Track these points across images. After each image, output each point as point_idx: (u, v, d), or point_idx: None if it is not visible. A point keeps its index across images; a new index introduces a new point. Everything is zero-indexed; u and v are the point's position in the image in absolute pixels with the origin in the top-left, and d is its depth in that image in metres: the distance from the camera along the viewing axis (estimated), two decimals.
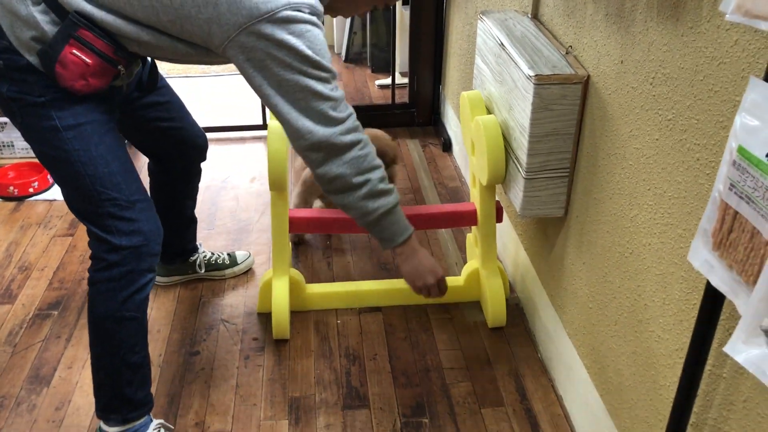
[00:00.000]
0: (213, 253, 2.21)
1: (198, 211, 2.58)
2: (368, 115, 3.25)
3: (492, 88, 1.86)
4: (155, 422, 1.59)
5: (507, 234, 2.20)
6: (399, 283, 2.12)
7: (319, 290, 2.10)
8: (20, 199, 2.63)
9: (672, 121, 1.19)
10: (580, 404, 1.65)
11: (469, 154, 1.98)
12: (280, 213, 1.91)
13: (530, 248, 1.99)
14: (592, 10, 1.49)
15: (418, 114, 3.23)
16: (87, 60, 1.34)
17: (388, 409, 1.74)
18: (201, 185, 2.75)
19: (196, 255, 2.17)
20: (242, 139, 3.18)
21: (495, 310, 1.97)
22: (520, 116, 1.63)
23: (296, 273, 2.06)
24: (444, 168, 2.91)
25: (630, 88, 1.33)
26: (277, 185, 1.84)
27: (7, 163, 2.79)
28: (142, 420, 1.57)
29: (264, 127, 3.21)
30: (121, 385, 1.53)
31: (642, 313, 1.32)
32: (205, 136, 1.96)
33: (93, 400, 1.58)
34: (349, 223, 2.00)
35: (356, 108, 3.30)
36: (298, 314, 2.06)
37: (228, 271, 2.21)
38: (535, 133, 1.58)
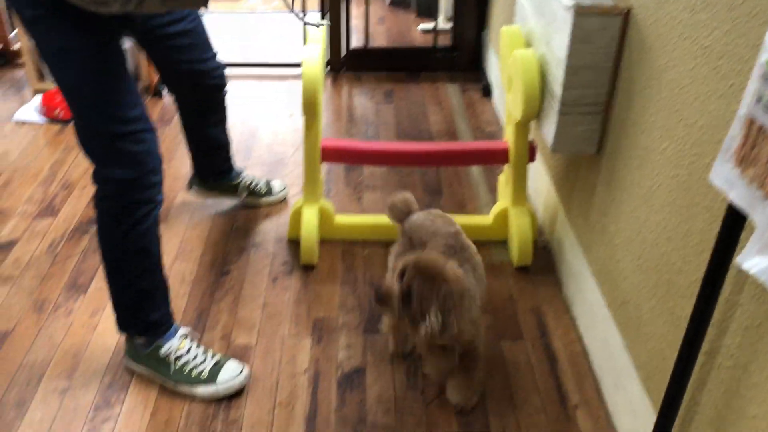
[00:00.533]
0: (253, 179, 2.25)
1: (236, 143, 2.63)
2: (409, 57, 3.24)
3: (532, 22, 1.83)
4: (181, 330, 1.65)
5: (539, 177, 2.19)
6: None
7: (348, 221, 2.13)
8: (65, 122, 2.70)
9: (708, 48, 1.16)
10: (599, 342, 1.66)
11: (506, 91, 1.97)
12: (313, 140, 1.94)
13: (561, 189, 1.98)
14: None
15: (460, 58, 3.19)
16: None
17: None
18: (240, 118, 2.80)
19: (240, 179, 2.21)
20: (283, 76, 3.20)
21: (521, 248, 1.98)
22: (558, 49, 1.60)
23: (326, 203, 2.09)
24: (482, 113, 2.89)
25: (669, 18, 1.30)
26: (309, 110, 1.86)
27: (54, 87, 2.87)
28: (164, 335, 1.61)
29: None
30: (132, 308, 1.57)
31: (665, 245, 1.32)
32: (224, 73, 1.95)
33: None
34: (380, 156, 2.02)
35: (397, 50, 3.33)
36: (326, 243, 2.10)
37: (263, 200, 2.26)
38: (571, 66, 1.56)
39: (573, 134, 1.65)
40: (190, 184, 2.23)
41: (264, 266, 2.01)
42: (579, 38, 1.52)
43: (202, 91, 1.93)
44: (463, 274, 1.39)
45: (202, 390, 1.58)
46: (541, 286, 1.95)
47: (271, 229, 2.17)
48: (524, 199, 2.02)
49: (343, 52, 3.17)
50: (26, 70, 2.89)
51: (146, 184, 1.45)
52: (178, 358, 1.60)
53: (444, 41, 3.24)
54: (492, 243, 2.11)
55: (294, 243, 2.10)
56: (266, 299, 1.89)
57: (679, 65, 1.27)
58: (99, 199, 1.47)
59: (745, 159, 0.87)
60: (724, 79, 1.11)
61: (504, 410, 1.58)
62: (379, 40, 3.55)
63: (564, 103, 1.61)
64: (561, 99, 1.60)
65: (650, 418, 1.35)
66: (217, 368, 1.60)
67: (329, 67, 3.20)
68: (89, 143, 1.42)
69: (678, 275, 1.26)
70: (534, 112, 1.76)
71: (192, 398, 1.59)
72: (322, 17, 3.09)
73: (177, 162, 2.50)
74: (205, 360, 1.61)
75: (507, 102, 1.97)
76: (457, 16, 3.13)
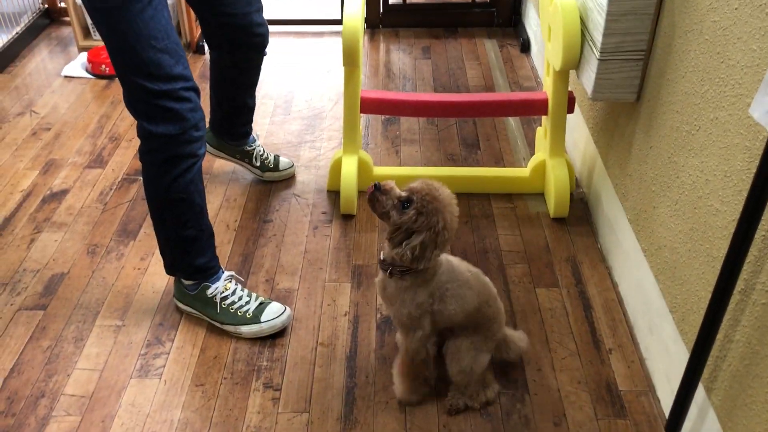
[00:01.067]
0: (264, 151, 2.18)
1: (275, 98, 2.68)
2: (447, 13, 3.23)
3: None
4: (226, 273, 1.72)
5: (577, 129, 2.19)
6: (464, 171, 2.17)
7: (386, 172, 2.16)
8: (111, 77, 2.78)
9: None
10: (634, 288, 1.68)
11: (545, 41, 1.97)
12: (352, 91, 1.97)
13: (600, 140, 1.98)
14: None
15: (498, 13, 3.17)
16: None
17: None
18: (279, 74, 2.84)
19: (253, 147, 2.14)
20: (320, 33, 3.22)
21: (558, 199, 1.99)
22: None
23: (365, 154, 2.13)
24: (520, 68, 2.88)
25: None
26: (350, 60, 1.88)
27: (100, 44, 2.93)
28: (210, 278, 1.68)
29: (341, 21, 3.23)
30: (178, 254, 1.64)
31: (703, 188, 1.33)
32: (267, 32, 1.91)
33: None
34: (419, 107, 2.04)
35: (435, 6, 3.32)
36: (365, 194, 2.14)
37: (267, 174, 2.19)
38: (612, 12, 1.56)
39: (613, 81, 1.65)
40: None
41: (305, 215, 2.06)
42: None
43: (242, 49, 1.88)
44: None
45: (247, 329, 1.65)
46: (577, 236, 1.97)
47: (311, 180, 2.22)
48: (562, 151, 2.03)
49: (381, 8, 3.17)
50: (72, 27, 2.96)
51: (189, 139, 1.48)
52: (224, 299, 1.67)
53: None
54: (528, 195, 2.13)
55: (333, 194, 2.15)
56: (307, 246, 1.94)
57: (723, 6, 1.26)
58: (143, 153, 1.52)
59: None
60: None
61: (539, 353, 1.62)
62: None
63: (604, 50, 1.61)
64: (601, 46, 1.60)
65: (684, 359, 1.38)
66: (261, 308, 1.67)
67: (366, 23, 3.20)
68: (133, 100, 1.45)
69: (715, 217, 1.28)
70: (574, 60, 1.76)
71: (238, 337, 1.66)
72: None
73: None
74: (249, 301, 1.68)
75: (546, 51, 1.97)
76: None
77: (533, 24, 2.90)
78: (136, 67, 1.39)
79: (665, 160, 1.51)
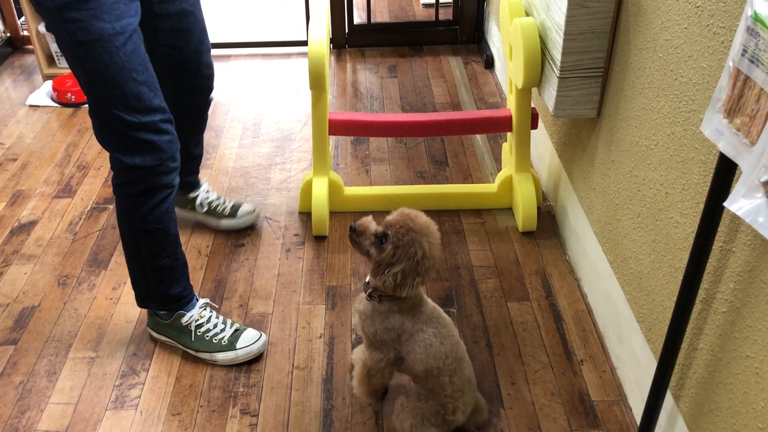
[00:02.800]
0: (218, 198, 2.08)
1: (244, 120, 2.69)
2: (412, 32, 3.27)
3: None
4: (201, 301, 1.72)
5: (542, 143, 2.24)
6: (434, 189, 2.20)
7: (357, 192, 2.18)
8: (77, 105, 2.76)
9: (700, 8, 1.20)
10: (602, 298, 1.72)
11: (507, 60, 2.01)
12: (321, 114, 1.99)
13: (564, 154, 2.03)
14: None
15: (462, 31, 3.22)
16: None
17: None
18: (247, 96, 2.86)
19: (197, 192, 2.04)
20: (287, 55, 3.24)
21: (526, 214, 2.03)
22: (557, 15, 1.64)
23: (335, 175, 2.15)
24: (485, 84, 2.93)
25: None
26: (316, 84, 1.91)
27: (65, 72, 2.92)
28: (184, 307, 1.68)
29: (307, 43, 3.26)
30: (153, 284, 1.62)
31: (663, 201, 1.37)
32: (213, 75, 1.82)
33: None
34: (387, 128, 2.07)
35: (399, 25, 3.36)
36: (336, 214, 2.16)
37: (224, 222, 2.06)
38: (570, 32, 1.60)
39: (573, 98, 1.70)
40: None
41: (277, 238, 2.07)
42: (577, 4, 1.56)
43: (186, 89, 1.79)
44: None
45: (223, 356, 1.66)
46: (545, 249, 2.01)
47: (282, 203, 2.23)
48: (528, 166, 2.07)
49: (347, 28, 3.21)
50: (36, 56, 2.95)
51: (165, 170, 1.49)
52: (198, 327, 1.67)
53: (445, 15, 3.27)
54: (497, 210, 2.16)
55: (305, 215, 2.17)
56: (280, 269, 1.95)
57: (674, 25, 1.31)
58: (118, 185, 1.51)
59: (732, 109, 0.92)
60: (715, 36, 1.16)
61: (513, 367, 1.65)
62: (381, 15, 3.59)
63: (564, 68, 1.65)
64: (560, 64, 1.65)
65: (652, 367, 1.41)
66: (236, 335, 1.67)
67: (332, 44, 3.24)
68: (109, 133, 1.44)
69: (676, 228, 1.32)
70: (535, 78, 1.81)
71: (213, 364, 1.66)
72: None
73: None
74: (224, 328, 1.68)
75: (509, 70, 2.01)
76: None
77: (496, 40, 2.96)
78: (116, 100, 1.39)
79: (627, 174, 1.56)
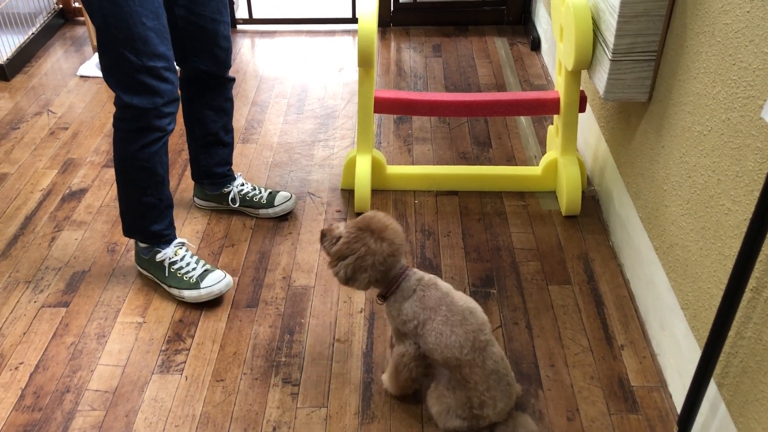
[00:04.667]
0: (253, 189, 2.07)
1: (288, 96, 2.71)
2: (457, 11, 3.25)
3: None
4: (177, 240, 1.83)
5: (589, 128, 2.21)
6: (476, 170, 2.20)
7: (399, 171, 2.19)
8: None
9: None
10: (645, 285, 1.70)
11: (557, 41, 1.99)
12: (367, 91, 2.00)
13: (611, 139, 2.01)
14: None
15: (509, 12, 3.19)
16: None
17: (459, 279, 1.85)
18: (292, 73, 2.87)
19: (231, 187, 2.05)
20: (332, 32, 3.25)
21: (570, 197, 2.02)
22: None
23: (378, 153, 2.16)
24: (531, 66, 2.90)
25: None
26: (365, 61, 1.91)
27: None
28: (161, 243, 1.80)
29: (352, 20, 3.27)
30: (136, 218, 1.75)
31: (714, 188, 1.35)
32: (230, 49, 1.84)
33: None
34: (433, 106, 2.07)
35: (445, 4, 3.34)
36: (378, 192, 2.18)
37: (262, 211, 2.06)
38: (624, 14, 1.58)
39: (625, 82, 1.68)
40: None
41: (319, 213, 2.10)
42: None
43: (204, 58, 1.80)
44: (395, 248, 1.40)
45: (188, 293, 1.77)
46: (588, 233, 2.00)
47: (325, 179, 2.25)
48: (574, 149, 2.05)
49: (392, 7, 3.20)
50: (87, 27, 3.00)
51: (159, 114, 1.60)
52: (172, 264, 1.79)
53: None
54: (540, 193, 2.15)
55: (347, 192, 2.18)
56: None
57: (735, 9, 1.28)
58: (117, 119, 1.63)
59: None
60: None
61: (552, 349, 1.65)
62: None
63: (616, 50, 1.63)
64: (613, 47, 1.63)
65: (695, 355, 1.41)
66: (204, 275, 1.77)
67: (377, 22, 3.23)
68: (115, 71, 1.54)
69: (727, 216, 1.30)
70: (586, 60, 1.79)
71: (182, 301, 1.79)
72: None
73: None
74: (195, 268, 1.78)
75: (558, 51, 1.99)
76: None
77: (543, 22, 2.92)
78: (124, 40, 1.49)
79: (677, 160, 1.54)
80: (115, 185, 2.20)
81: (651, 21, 1.59)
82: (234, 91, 2.74)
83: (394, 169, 2.20)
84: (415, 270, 1.45)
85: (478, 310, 1.40)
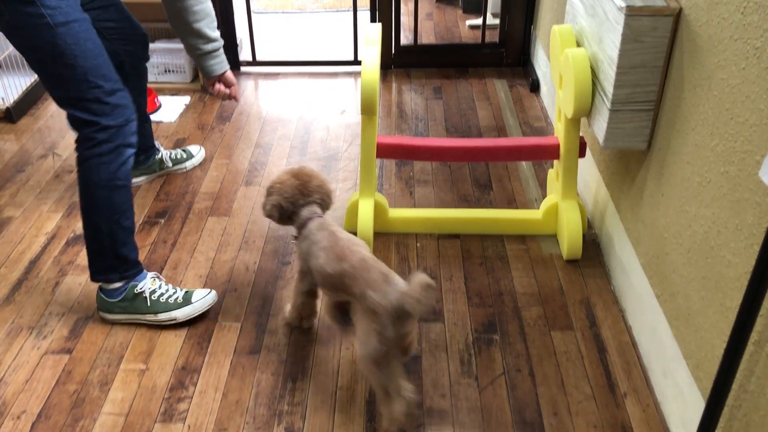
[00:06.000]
0: (172, 151, 2.50)
1: (291, 138, 2.74)
2: (457, 53, 3.30)
3: (583, 21, 1.88)
4: (150, 273, 1.89)
5: (588, 171, 2.24)
6: (478, 213, 2.22)
7: (402, 215, 2.21)
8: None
9: (760, 50, 1.20)
10: (647, 332, 1.71)
11: (557, 88, 2.02)
12: (369, 137, 2.02)
13: (611, 183, 2.03)
14: None
15: (508, 54, 3.24)
16: None
17: (462, 325, 1.86)
18: (295, 115, 2.91)
19: (161, 153, 2.44)
20: (334, 74, 3.29)
21: (571, 242, 2.03)
22: (610, 48, 1.65)
23: (380, 197, 2.18)
24: (530, 108, 2.94)
25: (721, 19, 1.35)
26: (368, 109, 1.94)
27: None
28: (138, 275, 1.86)
29: (354, 62, 3.32)
30: (118, 246, 1.79)
31: (715, 239, 1.36)
32: (146, 34, 2.16)
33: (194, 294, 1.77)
34: (433, 151, 2.10)
35: (445, 47, 3.40)
36: (380, 236, 2.19)
37: (188, 163, 2.52)
38: (623, 65, 1.61)
39: (624, 131, 1.70)
40: None
41: None
42: (630, 38, 1.57)
43: (133, 52, 2.13)
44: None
45: (180, 312, 1.83)
46: (590, 278, 2.01)
47: None
48: (574, 194, 2.07)
49: (393, 49, 3.25)
50: None
51: (130, 130, 1.75)
52: (152, 293, 1.84)
53: (491, 37, 3.29)
54: (542, 237, 2.17)
55: None
56: None
57: (731, 65, 1.31)
58: (92, 146, 1.71)
59: None
60: None
61: (555, 397, 1.65)
62: (427, 36, 3.63)
63: (615, 101, 1.66)
64: (612, 97, 1.65)
65: (699, 405, 1.40)
66: (189, 294, 1.86)
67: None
68: (84, 102, 1.67)
69: (728, 268, 1.31)
70: (585, 109, 1.82)
71: (172, 323, 1.84)
72: (372, 15, 3.17)
73: (236, 158, 2.62)
74: (176, 291, 1.86)
75: (558, 98, 2.02)
76: (504, 12, 3.18)
77: (542, 64, 2.97)
78: (94, 70, 1.66)
79: (677, 209, 1.55)
80: None
81: (649, 72, 1.62)
82: (237, 133, 2.78)
83: (396, 212, 2.21)
84: (325, 219, 1.70)
85: (361, 244, 1.63)
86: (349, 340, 1.81)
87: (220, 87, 2.05)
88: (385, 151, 2.10)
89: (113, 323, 1.86)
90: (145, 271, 1.88)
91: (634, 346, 1.78)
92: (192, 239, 2.18)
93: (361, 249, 1.59)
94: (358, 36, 3.28)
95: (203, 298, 1.86)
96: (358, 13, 3.25)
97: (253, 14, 3.25)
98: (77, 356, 1.77)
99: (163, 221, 2.27)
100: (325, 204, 1.74)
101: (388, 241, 2.18)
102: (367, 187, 2.10)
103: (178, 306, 1.83)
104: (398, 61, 3.28)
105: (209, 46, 1.95)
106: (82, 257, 2.10)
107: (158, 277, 1.89)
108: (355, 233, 2.15)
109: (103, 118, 1.69)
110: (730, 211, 1.30)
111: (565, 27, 1.96)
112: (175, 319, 1.83)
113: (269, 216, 1.72)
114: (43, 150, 2.66)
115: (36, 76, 3.01)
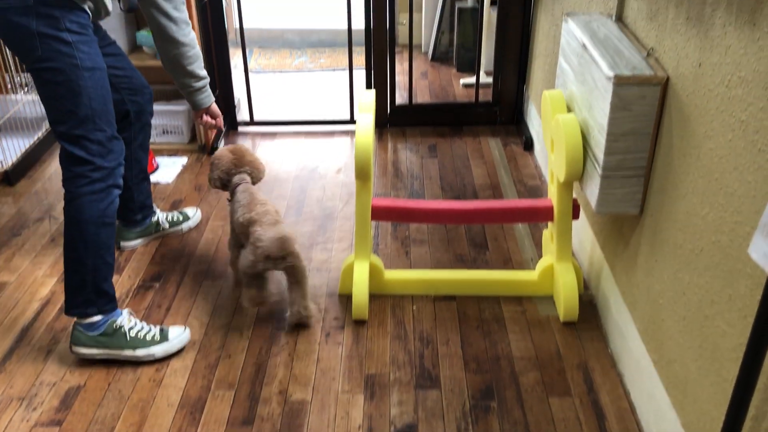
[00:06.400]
0: (168, 213, 2.53)
1: (288, 198, 2.75)
2: (452, 112, 3.34)
3: (573, 87, 1.91)
4: (126, 310, 1.98)
5: (583, 232, 2.24)
6: (474, 274, 2.21)
7: (397, 276, 2.20)
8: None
9: (745, 123, 1.22)
10: (646, 398, 1.69)
11: (549, 152, 2.04)
12: (364, 201, 2.03)
13: (606, 246, 2.03)
14: (673, 14, 1.53)
15: (501, 112, 3.29)
16: None
17: (458, 391, 1.83)
18: (291, 174, 2.93)
19: (157, 215, 2.47)
20: (331, 133, 3.33)
21: (567, 304, 2.02)
22: (599, 115, 1.68)
23: (376, 258, 2.18)
24: (524, 166, 2.96)
25: (707, 90, 1.37)
26: (362, 175, 1.96)
27: None
28: (115, 311, 1.93)
29: (350, 122, 3.36)
30: (99, 280, 1.88)
31: (709, 308, 1.36)
32: (151, 89, 2.26)
33: (184, 362, 1.75)
34: (427, 214, 2.10)
35: (440, 106, 3.45)
36: (376, 297, 2.18)
37: (185, 226, 2.55)
38: (612, 132, 1.63)
39: (616, 196, 1.71)
40: (117, 242, 2.41)
41: (317, 321, 2.09)
42: (619, 106, 1.59)
43: (138, 104, 2.21)
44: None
45: (158, 348, 1.93)
46: (587, 341, 1.99)
47: (323, 284, 2.26)
48: (569, 255, 2.07)
49: (389, 108, 3.29)
50: None
51: (119, 173, 1.90)
52: (131, 329, 1.92)
53: (485, 96, 3.34)
54: (538, 298, 2.16)
55: (345, 297, 2.19)
56: (320, 354, 1.97)
57: (718, 136, 1.33)
58: (85, 184, 1.82)
59: None
60: (761, 153, 1.17)
61: None
62: (422, 95, 3.68)
63: (606, 167, 1.67)
64: (603, 164, 1.67)
65: None
66: (164, 332, 1.96)
67: (375, 123, 3.32)
68: (86, 139, 1.80)
69: (723, 338, 1.30)
70: (577, 174, 1.83)
71: (150, 359, 1.93)
72: (368, 75, 3.23)
73: None
74: (151, 328, 1.95)
75: (550, 162, 2.04)
76: (497, 72, 3.23)
77: (535, 123, 3.01)
78: (102, 114, 1.82)
79: (671, 275, 1.55)
80: None
81: (639, 139, 1.64)
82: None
83: (391, 274, 2.21)
84: (249, 185, 2.14)
85: (270, 204, 2.07)
86: (345, 410, 1.78)
87: (207, 118, 2.26)
88: (380, 214, 2.10)
89: (86, 359, 1.91)
90: (118, 308, 1.95)
91: (633, 412, 1.75)
92: (187, 304, 2.17)
93: (267, 206, 2.05)
94: (354, 97, 3.33)
95: (180, 336, 1.96)
96: (354, 72, 3.31)
97: (250, 73, 3.31)
98: (67, 428, 1.74)
99: (158, 285, 2.26)
100: (254, 175, 2.19)
101: (384, 303, 2.17)
102: (362, 250, 2.10)
103: (155, 342, 1.92)
104: (394, 120, 3.33)
105: (199, 84, 2.15)
106: None
107: (132, 314, 1.97)
108: (349, 295, 2.15)
109: (99, 159, 1.82)
110: (723, 281, 1.30)
111: (556, 92, 1.99)
112: (153, 356, 1.91)
113: (215, 187, 2.20)
114: (40, 213, 2.67)
115: (35, 137, 3.05)
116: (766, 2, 1.14)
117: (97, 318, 1.88)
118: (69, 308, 1.89)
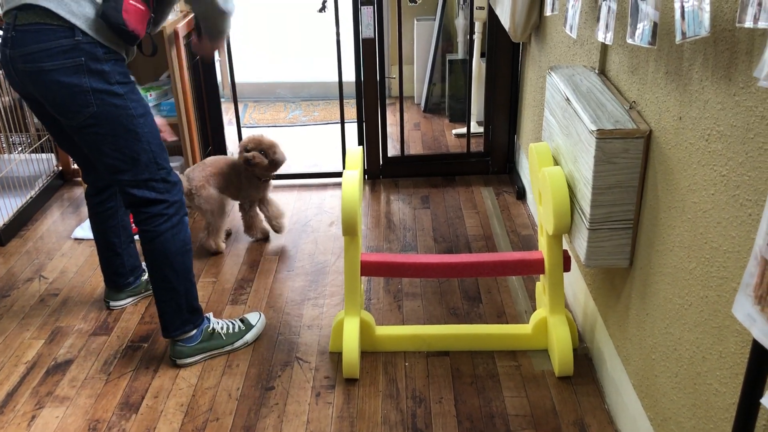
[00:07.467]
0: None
1: (280, 253, 2.74)
2: (444, 163, 3.35)
3: (559, 140, 1.92)
4: (209, 314, 2.18)
5: (576, 283, 2.22)
6: (467, 329, 2.18)
7: (389, 332, 2.17)
8: None
9: (726, 177, 1.21)
10: None
11: (537, 204, 2.03)
12: (353, 256, 2.02)
13: (598, 298, 2.00)
14: (653, 68, 1.54)
15: (493, 162, 3.29)
16: (140, 6, 1.76)
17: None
18: (285, 226, 2.91)
19: (146, 274, 2.45)
20: (323, 186, 3.34)
21: (562, 359, 1.98)
22: (585, 168, 1.67)
23: (367, 315, 2.15)
24: (517, 216, 2.95)
25: (688, 144, 1.37)
26: (349, 231, 1.95)
27: None
28: (204, 319, 2.13)
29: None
30: (191, 300, 2.05)
31: (700, 365, 1.33)
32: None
33: (172, 425, 1.70)
34: (418, 268, 2.08)
35: (432, 157, 3.46)
36: (367, 355, 2.14)
37: None
38: (598, 186, 1.63)
39: (605, 249, 1.70)
40: (107, 302, 2.43)
41: (307, 381, 2.05)
42: (603, 160, 1.59)
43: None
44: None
45: (249, 335, 2.20)
46: (583, 396, 1.95)
47: (314, 341, 2.23)
48: (562, 308, 2.04)
49: (381, 160, 3.30)
50: (83, 189, 3.08)
51: (184, 202, 2.04)
52: (222, 328, 2.15)
53: (477, 146, 3.35)
54: (532, 352, 2.12)
55: (336, 355, 2.15)
56: (310, 415, 1.92)
57: (701, 189, 1.32)
58: (162, 222, 1.95)
59: (763, 298, 0.90)
60: (743, 207, 1.16)
61: None
62: (415, 146, 3.70)
63: (593, 220, 1.66)
64: (590, 216, 1.66)
65: None
66: (245, 321, 2.21)
67: (367, 175, 3.33)
68: (153, 180, 1.92)
69: (715, 397, 1.27)
70: (566, 227, 1.82)
71: (245, 346, 2.18)
72: (360, 128, 3.25)
73: (222, 275, 2.60)
74: (234, 322, 2.19)
75: (539, 214, 2.03)
76: (488, 122, 3.25)
77: (527, 172, 3.01)
78: (161, 153, 1.93)
79: (662, 330, 1.52)
80: (101, 355, 2.17)
81: (625, 192, 1.63)
82: (226, 250, 2.78)
83: (383, 330, 2.18)
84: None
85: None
86: None
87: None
88: (370, 269, 2.08)
89: (190, 366, 2.11)
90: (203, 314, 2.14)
91: None
92: (174, 365, 2.13)
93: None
94: (346, 150, 3.34)
95: (259, 321, 2.24)
96: (347, 125, 3.33)
97: (245, 128, 3.33)
98: None
99: (146, 345, 2.23)
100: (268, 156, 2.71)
101: (376, 360, 2.13)
102: (353, 306, 2.08)
103: (245, 332, 2.18)
104: (386, 171, 3.33)
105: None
106: (62, 387, 2.05)
107: (214, 317, 2.19)
108: (340, 353, 2.11)
109: (167, 195, 1.96)
110: (713, 338, 1.27)
111: (542, 145, 1.99)
112: (247, 342, 2.19)
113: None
114: (30, 273, 2.66)
115: (28, 196, 3.05)
116: (741, 58, 1.15)
117: (194, 332, 2.07)
118: (169, 332, 2.04)
